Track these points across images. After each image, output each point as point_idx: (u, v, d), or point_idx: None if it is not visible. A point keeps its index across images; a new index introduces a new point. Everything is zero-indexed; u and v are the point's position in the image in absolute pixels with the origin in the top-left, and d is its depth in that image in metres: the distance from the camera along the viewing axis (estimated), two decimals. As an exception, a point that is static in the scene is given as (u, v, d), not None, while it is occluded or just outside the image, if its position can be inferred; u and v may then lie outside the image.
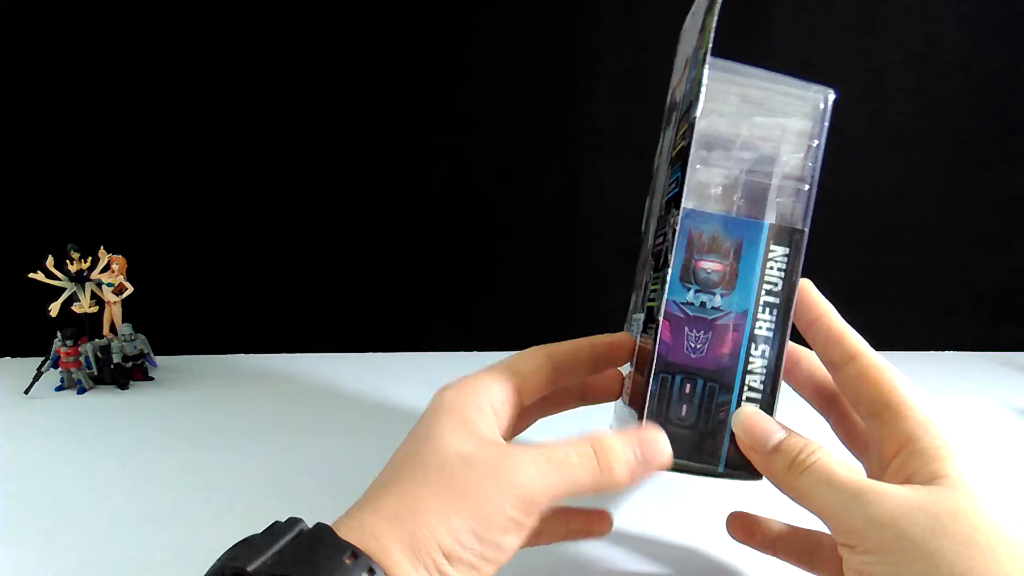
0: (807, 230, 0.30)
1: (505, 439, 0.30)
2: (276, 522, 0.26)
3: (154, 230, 0.81)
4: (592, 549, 0.37)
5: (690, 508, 0.42)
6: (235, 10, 0.78)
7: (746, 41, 0.76)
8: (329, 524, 0.25)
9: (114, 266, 0.70)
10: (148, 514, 0.42)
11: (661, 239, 0.32)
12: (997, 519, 0.24)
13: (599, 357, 0.34)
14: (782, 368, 0.30)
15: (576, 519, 0.35)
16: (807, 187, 0.30)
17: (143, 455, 0.52)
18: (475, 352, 0.83)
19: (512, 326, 0.84)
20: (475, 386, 0.30)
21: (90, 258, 0.69)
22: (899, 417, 0.27)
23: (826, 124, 0.30)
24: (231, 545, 0.25)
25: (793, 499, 0.28)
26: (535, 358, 0.32)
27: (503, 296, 0.85)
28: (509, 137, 0.82)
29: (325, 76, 0.80)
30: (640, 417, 0.30)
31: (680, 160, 0.30)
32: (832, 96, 0.31)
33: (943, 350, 0.80)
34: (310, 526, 0.25)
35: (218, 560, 0.24)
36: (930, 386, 0.67)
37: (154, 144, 0.80)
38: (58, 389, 0.67)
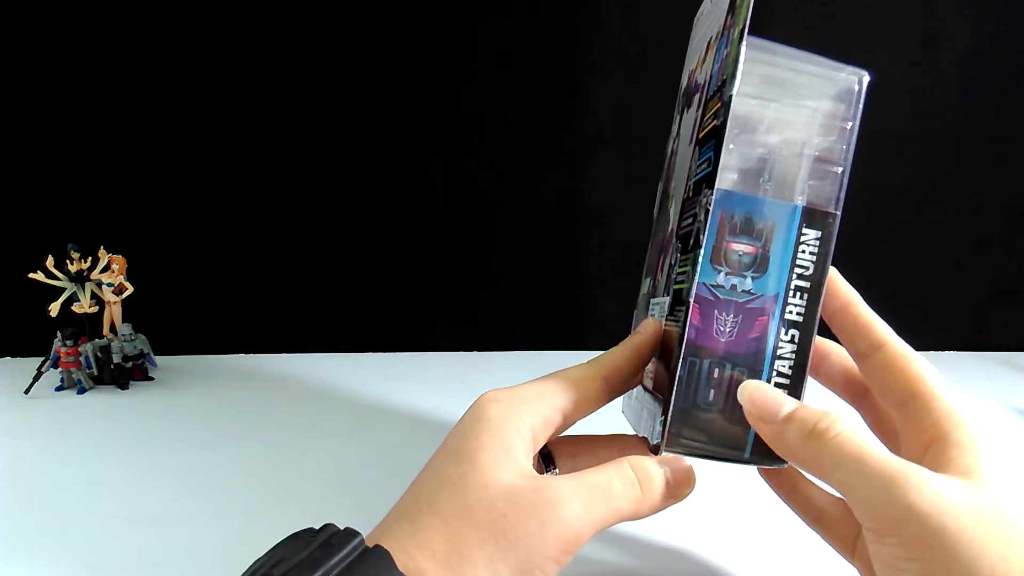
0: (839, 214, 0.30)
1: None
2: (331, 527, 0.25)
3: (154, 230, 0.81)
4: (588, 550, 0.37)
5: (687, 507, 0.42)
6: (235, 10, 0.78)
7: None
8: (384, 546, 0.25)
9: (114, 266, 0.70)
10: (148, 514, 0.42)
11: (690, 220, 0.31)
12: None
13: (644, 362, 0.33)
14: (811, 354, 0.30)
15: None
16: (839, 170, 0.30)
17: (143, 455, 0.52)
18: (475, 352, 0.83)
19: (512, 326, 0.84)
20: (520, 405, 0.29)
21: (90, 258, 0.69)
22: (927, 408, 0.26)
23: (860, 106, 0.30)
24: (281, 539, 0.24)
25: (815, 474, 0.26)
26: (592, 383, 0.31)
27: (503, 296, 0.85)
28: (509, 136, 0.82)
29: (324, 76, 0.80)
30: (666, 403, 0.29)
31: (713, 139, 0.30)
32: (867, 78, 0.30)
33: (943, 350, 0.80)
34: (365, 541, 0.25)
35: (268, 558, 0.24)
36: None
37: (154, 144, 0.80)
38: (58, 389, 0.67)
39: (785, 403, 0.28)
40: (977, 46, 0.77)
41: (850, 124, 0.30)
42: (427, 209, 0.84)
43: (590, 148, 0.82)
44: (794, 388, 0.29)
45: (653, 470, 0.28)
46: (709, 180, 0.29)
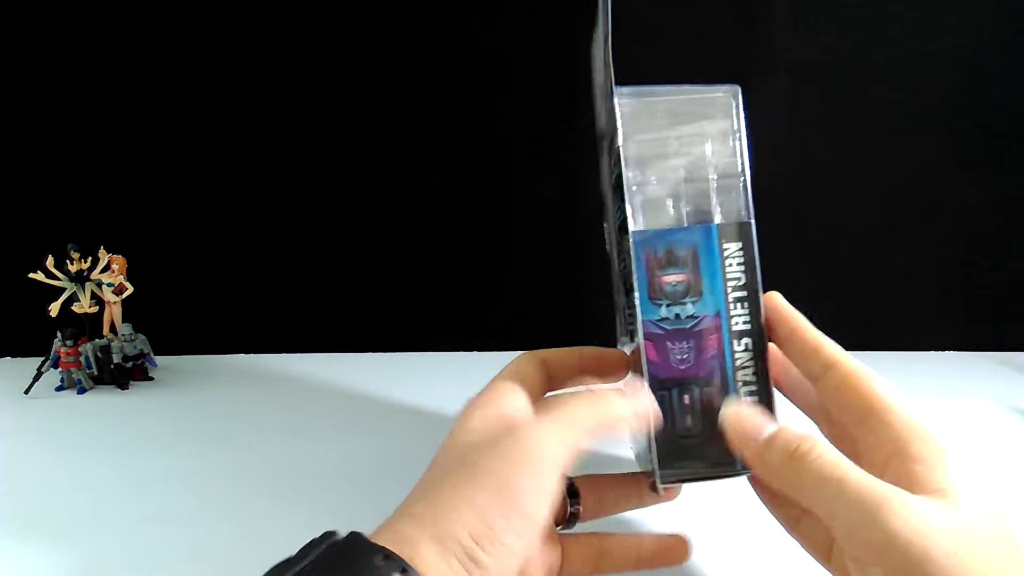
0: (753, 220, 0.31)
1: None
2: (312, 540, 0.26)
3: (154, 230, 0.81)
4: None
5: (686, 509, 0.42)
6: (235, 10, 0.78)
7: (744, 40, 0.76)
8: (363, 534, 0.25)
9: (114, 266, 0.70)
10: (148, 514, 0.42)
11: (623, 264, 0.33)
12: (1005, 536, 0.23)
13: (586, 366, 0.34)
14: (768, 354, 0.31)
15: (648, 544, 0.34)
16: (741, 181, 0.32)
17: (143, 455, 0.52)
18: (475, 352, 0.83)
19: (512, 327, 0.84)
20: (496, 392, 0.31)
21: (90, 258, 0.69)
22: (884, 423, 0.26)
23: (742, 118, 0.32)
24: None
25: (797, 499, 0.27)
26: (530, 360, 0.33)
27: (503, 296, 0.85)
28: (509, 137, 0.82)
29: (325, 77, 0.80)
30: (650, 442, 0.31)
31: (618, 187, 0.32)
32: (739, 92, 0.32)
33: (943, 350, 0.80)
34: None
35: None
36: (930, 386, 0.67)
37: (154, 144, 0.80)
38: (58, 389, 0.67)
39: (766, 425, 0.28)
40: (977, 46, 0.77)
41: (738, 136, 0.32)
42: (427, 209, 0.84)
43: (590, 148, 0.82)
44: (762, 392, 0.31)
45: (610, 392, 0.30)
46: (624, 227, 0.31)
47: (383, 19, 0.79)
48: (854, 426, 0.28)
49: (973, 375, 0.72)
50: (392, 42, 0.80)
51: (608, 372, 0.34)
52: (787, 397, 0.34)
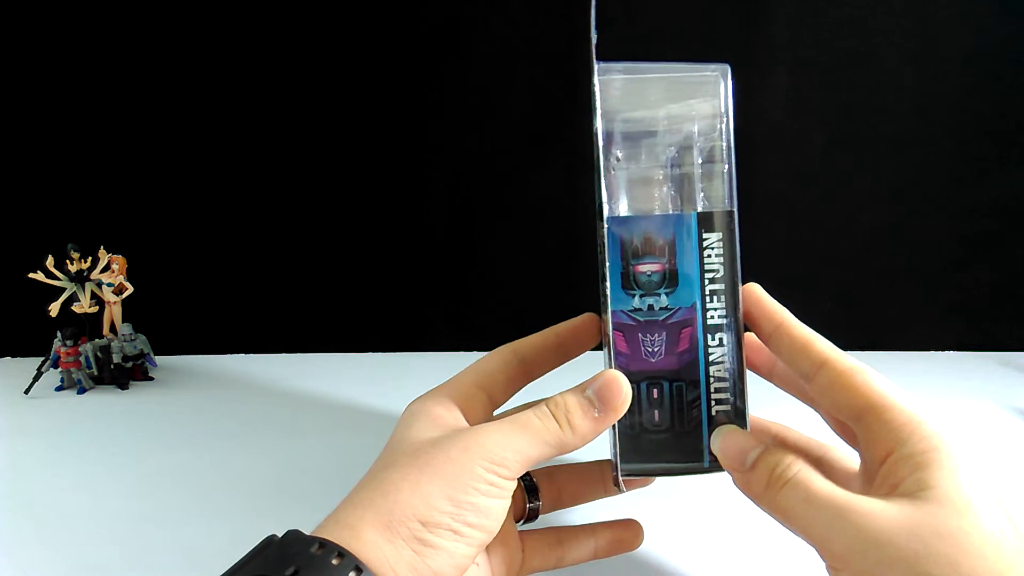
0: (735, 210, 0.30)
1: None
2: (255, 546, 0.26)
3: (154, 230, 0.81)
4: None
5: (678, 507, 0.42)
6: (235, 11, 0.78)
7: (744, 39, 0.76)
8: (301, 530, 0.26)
9: (114, 266, 0.70)
10: (148, 514, 0.42)
11: (600, 251, 0.32)
12: (984, 536, 0.22)
13: (564, 344, 0.33)
14: (744, 351, 0.30)
15: (603, 533, 0.35)
16: (725, 167, 0.30)
17: (143, 455, 0.52)
18: (475, 352, 0.83)
19: (512, 326, 0.84)
20: (441, 392, 0.31)
21: (90, 258, 0.69)
22: (881, 420, 0.26)
23: (731, 100, 0.30)
24: None
25: (778, 520, 0.27)
26: (501, 355, 0.33)
27: (503, 296, 0.85)
28: (509, 137, 0.82)
29: (325, 77, 0.80)
30: (612, 433, 0.30)
31: (595, 171, 0.30)
32: (728, 71, 0.30)
33: (943, 350, 0.80)
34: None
35: None
36: (930, 386, 0.67)
37: (154, 144, 0.80)
38: (58, 389, 0.67)
39: (750, 450, 0.28)
40: (977, 46, 0.77)
41: (725, 120, 0.30)
42: (427, 209, 0.84)
43: (590, 148, 0.82)
44: (735, 389, 0.30)
45: (569, 401, 0.28)
46: (599, 211, 0.30)
47: (383, 19, 0.79)
48: (853, 424, 0.28)
49: (973, 375, 0.72)
50: (392, 42, 0.80)
51: (585, 341, 0.34)
52: (780, 388, 0.33)
